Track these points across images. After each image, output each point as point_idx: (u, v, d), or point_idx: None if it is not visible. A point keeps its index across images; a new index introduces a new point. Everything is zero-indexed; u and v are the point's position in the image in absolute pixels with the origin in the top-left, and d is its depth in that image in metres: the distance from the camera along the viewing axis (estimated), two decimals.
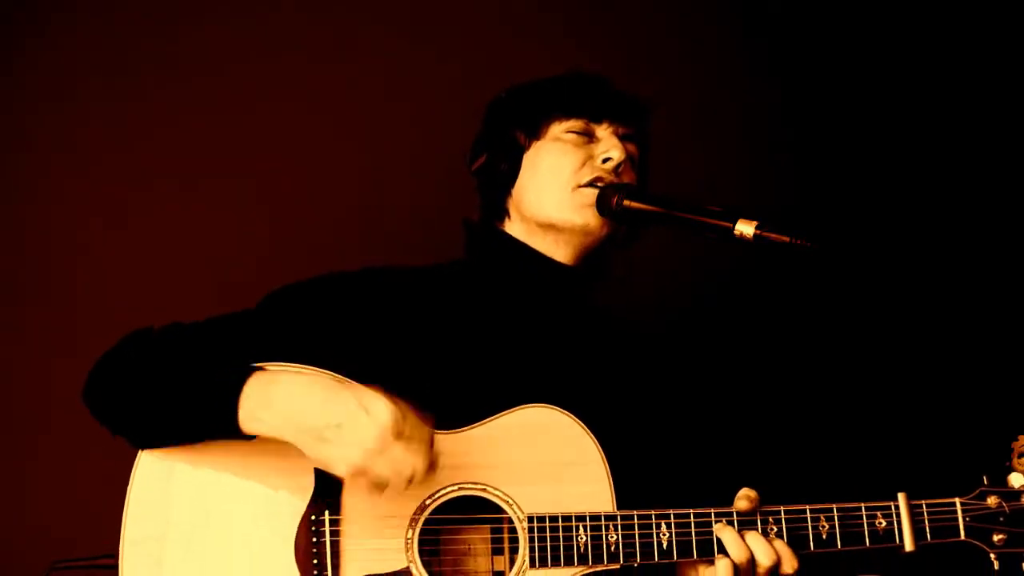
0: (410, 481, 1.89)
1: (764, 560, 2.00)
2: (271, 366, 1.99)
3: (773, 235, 2.02)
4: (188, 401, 1.94)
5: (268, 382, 1.92)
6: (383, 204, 3.16)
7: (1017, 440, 2.10)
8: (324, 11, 3.19)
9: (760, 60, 3.41)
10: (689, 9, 3.40)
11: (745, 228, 2.05)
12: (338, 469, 1.88)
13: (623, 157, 2.25)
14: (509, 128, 2.33)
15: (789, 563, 2.01)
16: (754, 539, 2.01)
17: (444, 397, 2.08)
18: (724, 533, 2.01)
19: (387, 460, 1.85)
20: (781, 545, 2.01)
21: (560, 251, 2.28)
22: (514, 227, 2.32)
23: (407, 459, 1.87)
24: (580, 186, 2.23)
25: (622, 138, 2.29)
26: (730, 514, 2.03)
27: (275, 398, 1.90)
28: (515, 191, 2.31)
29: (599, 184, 2.22)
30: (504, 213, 2.34)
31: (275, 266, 2.81)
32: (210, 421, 1.93)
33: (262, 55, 3.14)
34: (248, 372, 1.93)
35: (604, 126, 2.29)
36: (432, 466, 1.92)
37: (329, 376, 1.95)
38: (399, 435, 1.85)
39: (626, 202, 2.18)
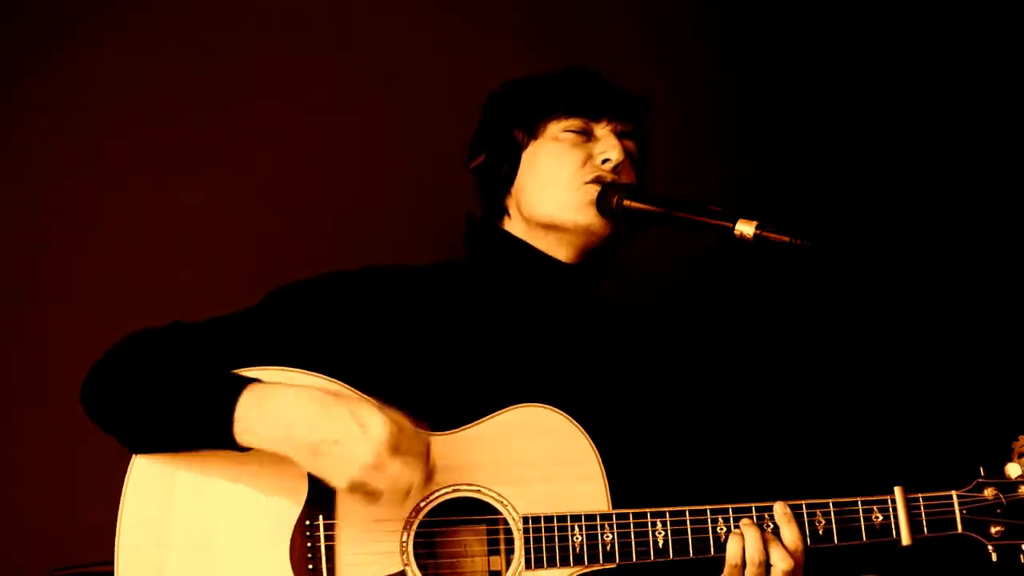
0: (407, 494, 1.89)
1: (781, 564, 1.98)
2: (266, 375, 1.98)
3: (773, 235, 2.02)
4: (182, 412, 1.94)
5: (262, 396, 1.91)
6: (380, 201, 3.14)
7: (1017, 440, 2.08)
8: (323, 8, 3.18)
9: (760, 60, 3.38)
10: (689, 8, 3.39)
11: (745, 228, 2.04)
12: (336, 483, 1.88)
13: (622, 158, 2.23)
14: (507, 126, 2.31)
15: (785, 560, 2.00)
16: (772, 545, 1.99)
17: (441, 397, 2.08)
18: (748, 531, 2.00)
19: (384, 475, 1.85)
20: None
21: (561, 250, 2.26)
22: (514, 226, 2.31)
23: (404, 473, 1.86)
24: (585, 183, 2.21)
25: (620, 135, 2.27)
26: (725, 511, 2.02)
27: (270, 412, 1.89)
28: (514, 190, 2.30)
29: (602, 182, 2.21)
30: (504, 211, 2.33)
31: (274, 265, 2.79)
32: (205, 434, 1.93)
33: (260, 52, 3.13)
34: (242, 385, 1.92)
35: (602, 124, 2.27)
36: (429, 476, 1.93)
37: (325, 388, 1.94)
38: (395, 449, 1.85)
39: (626, 202, 2.17)
